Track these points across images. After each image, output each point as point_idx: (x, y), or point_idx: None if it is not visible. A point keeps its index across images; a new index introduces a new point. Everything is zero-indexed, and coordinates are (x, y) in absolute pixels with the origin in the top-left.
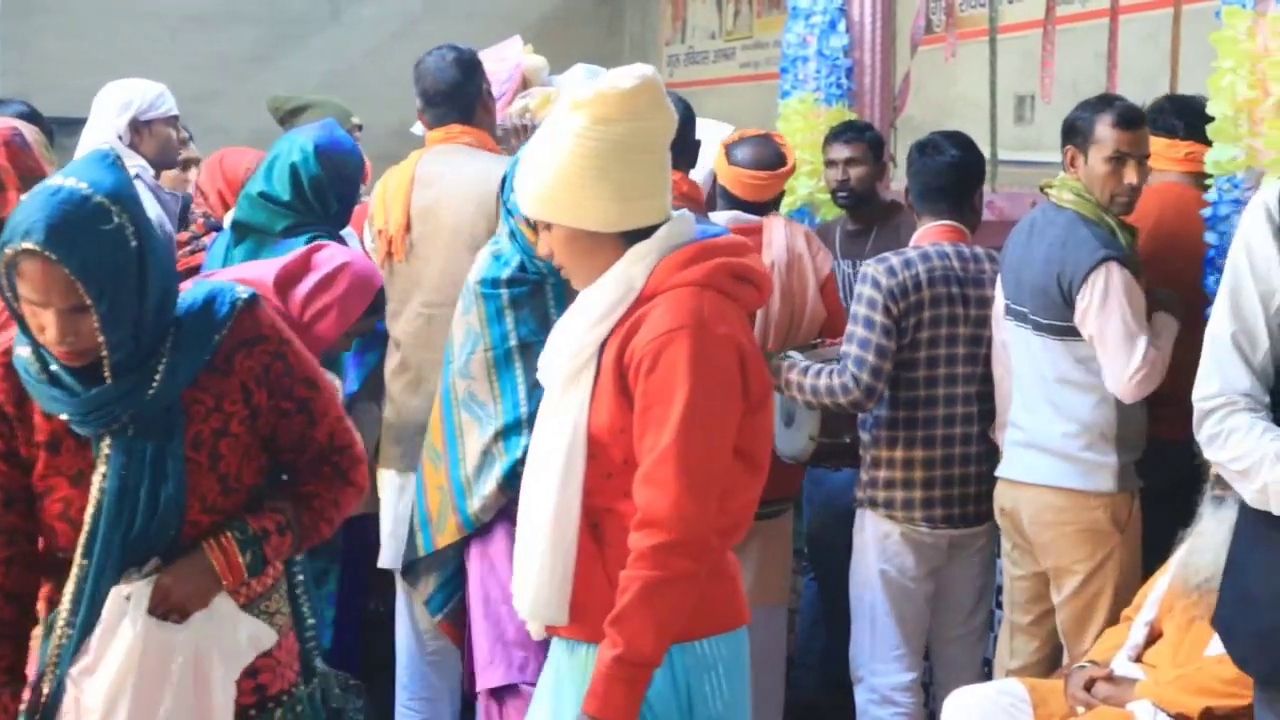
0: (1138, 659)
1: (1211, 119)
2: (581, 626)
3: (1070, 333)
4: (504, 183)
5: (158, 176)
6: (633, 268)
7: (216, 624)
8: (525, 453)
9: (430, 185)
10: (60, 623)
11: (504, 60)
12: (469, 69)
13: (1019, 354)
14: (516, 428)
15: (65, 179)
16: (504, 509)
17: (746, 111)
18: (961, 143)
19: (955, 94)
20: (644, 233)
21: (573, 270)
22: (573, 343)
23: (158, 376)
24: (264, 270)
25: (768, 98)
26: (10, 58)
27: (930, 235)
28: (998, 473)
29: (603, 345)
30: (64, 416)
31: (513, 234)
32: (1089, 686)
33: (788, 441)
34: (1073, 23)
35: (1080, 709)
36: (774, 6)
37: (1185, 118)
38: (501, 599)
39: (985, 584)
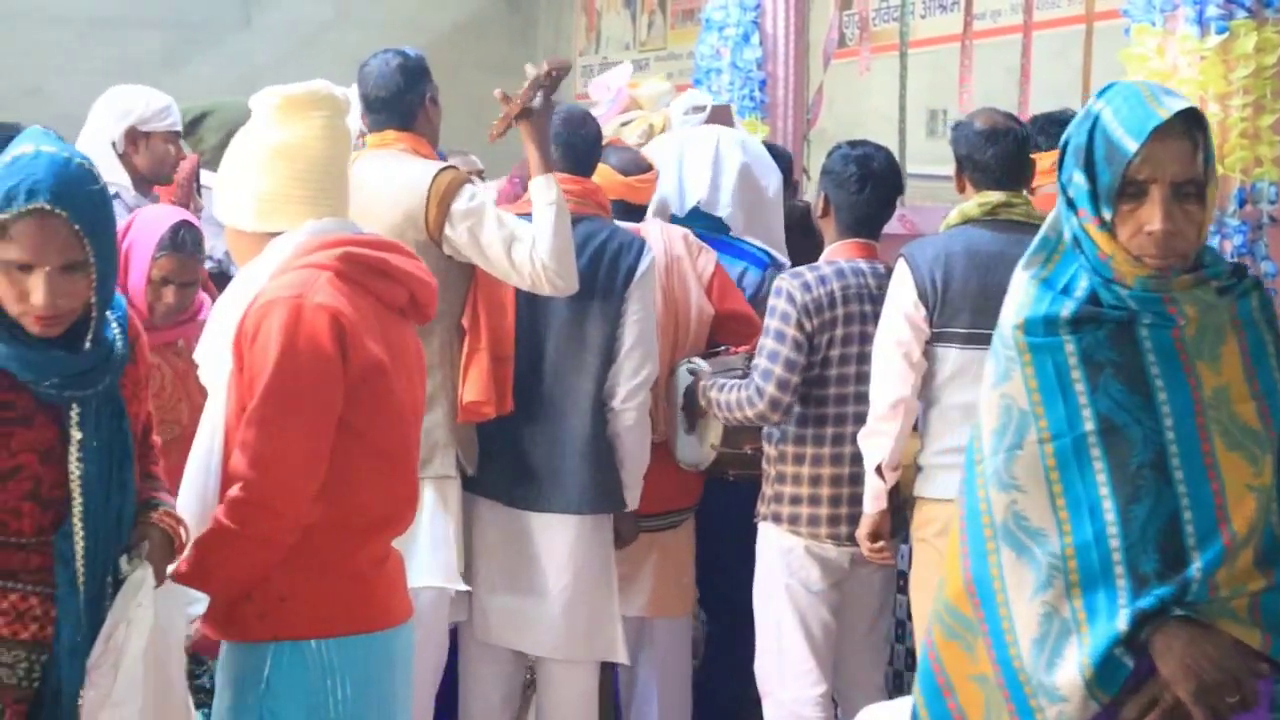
0: None
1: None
2: (214, 625)
3: None
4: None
5: (150, 192)
6: (266, 256)
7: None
8: (1133, 625)
9: (359, 191)
10: (40, 612)
11: (608, 88)
12: (412, 75)
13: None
14: (1104, 574)
15: (27, 146)
16: None
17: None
18: (894, 169)
19: (868, 108)
20: None
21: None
22: (210, 333)
23: (117, 346)
24: None
25: None
26: None
27: (843, 251)
28: (940, 495)
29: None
30: (48, 382)
31: (1076, 240)
32: None
33: (688, 449)
34: (985, 38)
35: None
36: (688, 18)
37: (1045, 131)
38: None
39: (886, 597)
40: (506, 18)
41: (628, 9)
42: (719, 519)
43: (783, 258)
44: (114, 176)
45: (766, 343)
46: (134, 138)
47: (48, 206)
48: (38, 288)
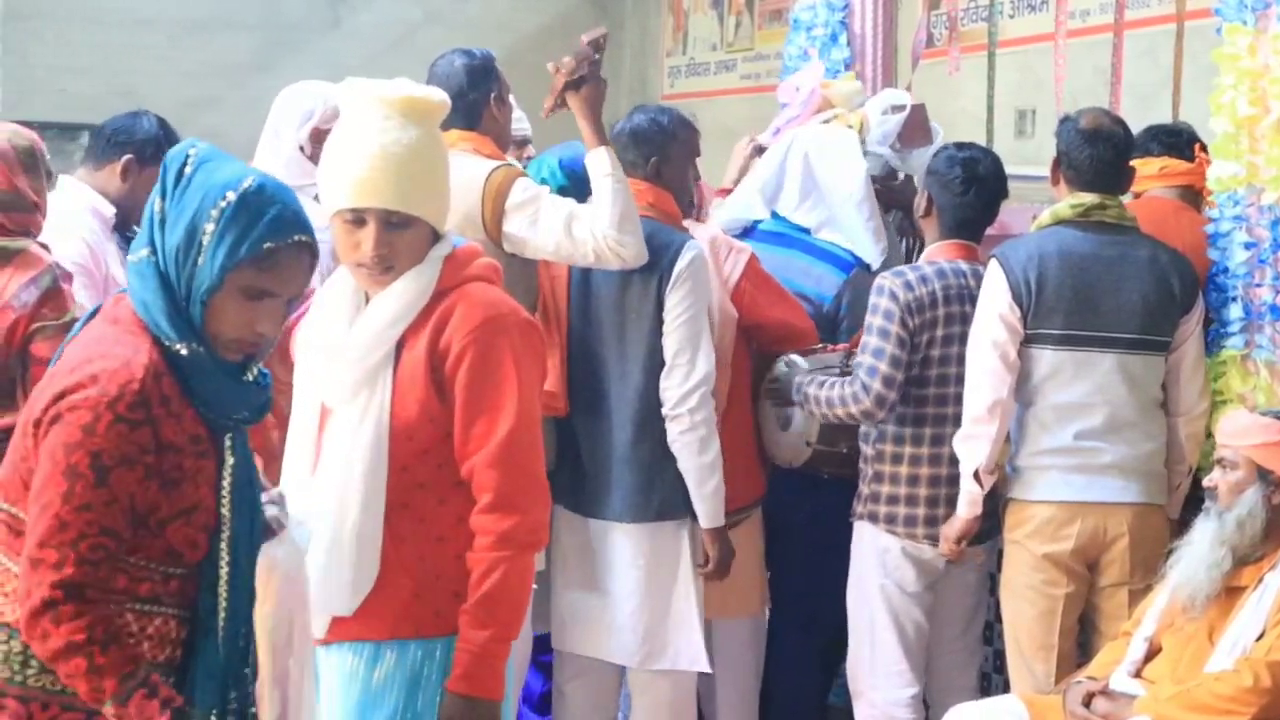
0: (1137, 674)
1: (1184, 139)
2: (370, 625)
3: (1164, 348)
4: None
5: None
6: (431, 266)
7: None
8: None
9: None
10: (176, 635)
11: (798, 89)
12: (476, 75)
13: (1099, 381)
14: None
15: (247, 173)
16: None
17: (746, 123)
18: (999, 173)
19: (957, 108)
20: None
21: (399, 273)
22: (371, 339)
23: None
24: None
25: (768, 109)
26: (5, 64)
27: (944, 252)
28: (1034, 497)
29: (400, 341)
30: (241, 416)
31: None
32: (1087, 702)
33: (783, 445)
34: (1074, 37)
35: None
36: (775, 19)
37: (1159, 139)
38: None
39: (980, 599)
40: (593, 19)
41: (715, 10)
42: (789, 517)
43: (869, 258)
44: (310, 179)
45: (871, 340)
46: (318, 138)
47: (308, 240)
48: (269, 317)
